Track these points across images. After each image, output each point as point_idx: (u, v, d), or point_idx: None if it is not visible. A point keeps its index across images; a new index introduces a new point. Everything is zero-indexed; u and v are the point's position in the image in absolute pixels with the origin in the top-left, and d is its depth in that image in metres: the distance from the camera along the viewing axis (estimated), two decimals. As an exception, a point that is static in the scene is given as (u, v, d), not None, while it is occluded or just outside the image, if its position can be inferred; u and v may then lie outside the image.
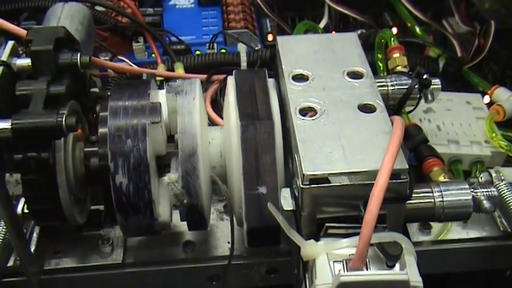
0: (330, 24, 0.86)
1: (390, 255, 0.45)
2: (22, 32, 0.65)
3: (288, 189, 0.51)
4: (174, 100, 0.54)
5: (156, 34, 0.83)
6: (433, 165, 0.62)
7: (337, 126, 0.50)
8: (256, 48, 0.82)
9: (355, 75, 0.56)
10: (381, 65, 0.75)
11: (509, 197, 0.56)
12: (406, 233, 0.55)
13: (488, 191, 0.54)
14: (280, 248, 0.56)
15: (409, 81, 0.61)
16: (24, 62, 0.54)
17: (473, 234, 0.61)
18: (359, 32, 0.82)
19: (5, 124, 0.48)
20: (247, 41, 0.83)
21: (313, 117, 0.51)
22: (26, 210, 0.56)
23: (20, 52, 0.58)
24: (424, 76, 0.61)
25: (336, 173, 0.47)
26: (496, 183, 0.57)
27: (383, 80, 0.61)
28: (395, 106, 0.61)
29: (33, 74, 0.54)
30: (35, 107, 0.50)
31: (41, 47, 0.53)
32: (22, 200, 0.56)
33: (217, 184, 0.54)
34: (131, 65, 0.77)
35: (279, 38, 0.62)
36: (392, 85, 0.61)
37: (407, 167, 0.47)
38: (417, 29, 0.84)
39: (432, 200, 0.52)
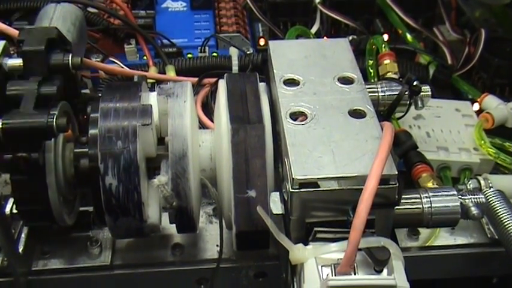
0: (322, 30, 0.87)
1: (378, 260, 0.45)
2: (14, 32, 0.65)
3: (278, 193, 0.51)
4: (165, 102, 0.54)
5: (148, 36, 0.83)
6: (422, 172, 0.62)
7: (327, 131, 0.50)
8: (248, 52, 0.82)
9: (346, 80, 0.56)
10: (371, 71, 0.75)
11: (497, 204, 0.56)
12: (395, 239, 0.55)
13: (476, 198, 0.54)
14: (268, 251, 0.56)
15: (400, 87, 0.61)
16: (16, 62, 0.54)
17: (460, 240, 0.62)
18: (350, 38, 0.82)
19: (-5, 124, 0.48)
20: (239, 45, 0.84)
21: (303, 122, 0.52)
22: (14, 211, 0.56)
23: (12, 52, 0.58)
24: (414, 83, 0.61)
25: (326, 178, 0.47)
26: (484, 190, 0.57)
27: (373, 86, 0.61)
28: (385, 112, 0.61)
29: (24, 74, 0.54)
30: (26, 107, 0.49)
31: (32, 48, 0.53)
32: (11, 200, 0.56)
33: (207, 187, 0.54)
34: (122, 67, 0.78)
35: (270, 43, 0.62)
36: (382, 91, 0.61)
37: (396, 172, 0.47)
38: (408, 36, 0.85)
39: (420, 206, 0.52)
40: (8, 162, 0.49)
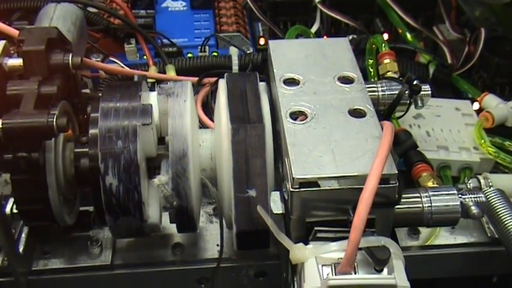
0: (322, 29, 0.87)
1: (378, 260, 0.45)
2: (14, 32, 0.65)
3: (278, 193, 0.51)
4: (165, 102, 0.54)
5: (148, 36, 0.83)
6: (422, 171, 0.62)
7: (327, 131, 0.50)
8: (248, 51, 0.82)
9: (346, 80, 0.56)
10: (371, 70, 0.75)
11: (497, 203, 0.56)
12: (395, 238, 0.55)
13: (476, 197, 0.54)
14: (269, 251, 0.56)
15: (399, 86, 0.61)
16: (16, 62, 0.54)
17: (461, 239, 0.62)
18: (350, 37, 0.82)
19: (-4, 124, 0.48)
20: (239, 44, 0.84)
21: (303, 121, 0.52)
22: (14, 210, 0.56)
23: (12, 52, 0.58)
24: (414, 82, 0.61)
25: (326, 177, 0.47)
26: (484, 190, 0.57)
27: (373, 85, 0.61)
28: (385, 111, 0.61)
29: (24, 74, 0.54)
30: (26, 107, 0.49)
31: (32, 47, 0.53)
32: (11, 200, 0.56)
33: (207, 187, 0.54)
34: (123, 67, 0.78)
35: (270, 42, 0.62)
36: (382, 90, 0.61)
37: (396, 172, 0.47)
38: (408, 36, 0.85)
39: (421, 205, 0.52)
40: (8, 162, 0.49)
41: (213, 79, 0.75)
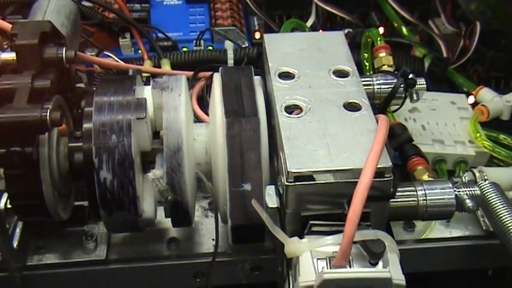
0: (317, 23, 0.86)
1: (373, 253, 0.45)
2: (7, 25, 0.65)
3: (273, 187, 0.51)
4: (160, 96, 0.54)
5: (143, 30, 0.83)
6: (417, 164, 0.62)
7: (322, 124, 0.50)
8: (243, 45, 0.82)
9: (341, 73, 0.56)
10: (367, 64, 0.75)
11: (492, 196, 0.56)
12: (390, 231, 0.55)
13: (471, 191, 0.54)
14: (264, 245, 0.56)
15: (395, 80, 0.61)
16: (9, 56, 0.54)
17: (456, 233, 0.62)
18: (346, 31, 0.82)
19: (-11, 118, 0.48)
20: (234, 38, 0.83)
21: (298, 115, 0.51)
22: (8, 206, 0.55)
23: (5, 46, 0.57)
24: (410, 76, 0.61)
25: (321, 171, 0.47)
26: (479, 183, 0.58)
27: (369, 79, 0.61)
28: (381, 105, 0.61)
29: (17, 68, 0.53)
30: (19, 101, 0.49)
31: (26, 41, 0.53)
32: (5, 195, 0.56)
33: (202, 181, 0.54)
34: (117, 61, 0.77)
35: (265, 36, 0.62)
36: (378, 84, 0.61)
37: (391, 165, 0.47)
38: (404, 29, 0.85)
39: (416, 199, 0.52)
40: (1, 157, 0.49)
41: (208, 73, 0.75)
